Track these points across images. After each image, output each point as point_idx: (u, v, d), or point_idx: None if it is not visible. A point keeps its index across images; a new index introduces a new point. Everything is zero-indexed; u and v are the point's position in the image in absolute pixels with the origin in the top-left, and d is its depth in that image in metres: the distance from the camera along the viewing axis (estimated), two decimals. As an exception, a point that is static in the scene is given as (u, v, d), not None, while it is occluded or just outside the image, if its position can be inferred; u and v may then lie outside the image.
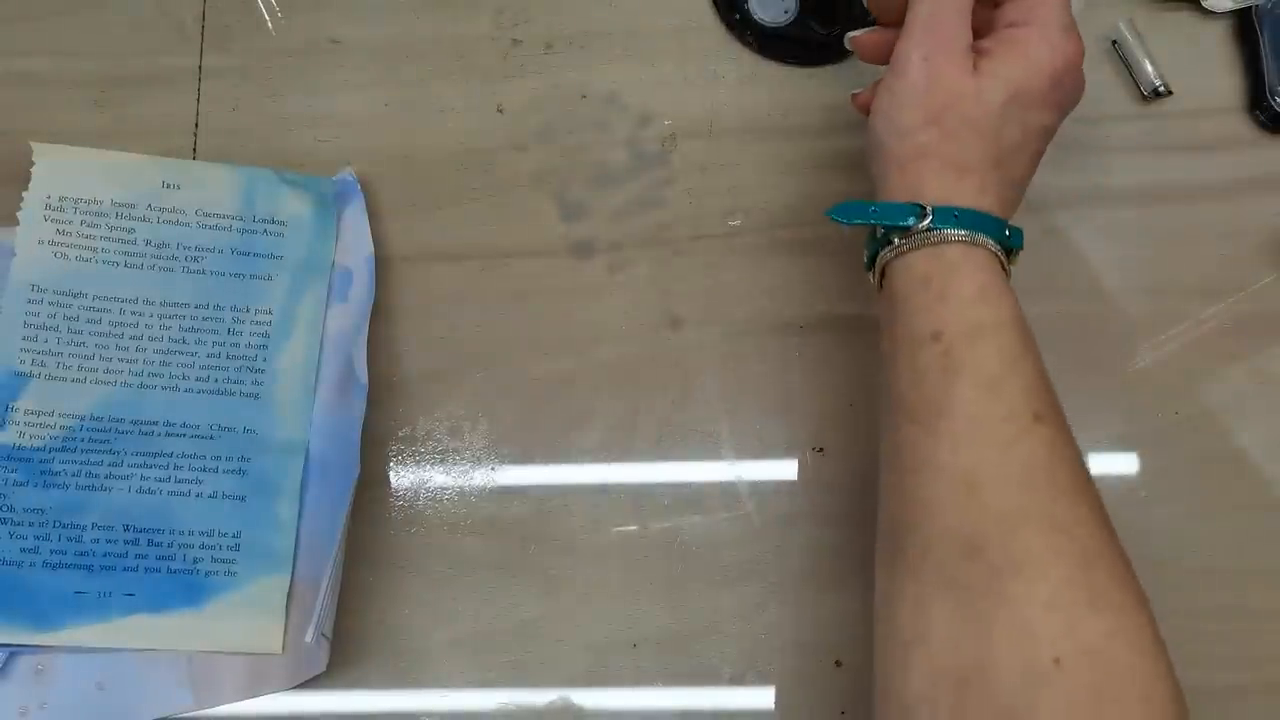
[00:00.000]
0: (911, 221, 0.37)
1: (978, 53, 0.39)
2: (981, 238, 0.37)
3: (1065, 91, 0.39)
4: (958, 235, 0.37)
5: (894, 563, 0.36)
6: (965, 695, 0.32)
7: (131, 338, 0.48)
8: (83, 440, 0.46)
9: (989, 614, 0.33)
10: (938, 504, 0.34)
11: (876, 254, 0.39)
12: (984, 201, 0.38)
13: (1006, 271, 0.38)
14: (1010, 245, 0.38)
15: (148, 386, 0.47)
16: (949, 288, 0.37)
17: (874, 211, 0.39)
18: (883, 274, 0.39)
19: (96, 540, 0.45)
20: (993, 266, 0.37)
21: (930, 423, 0.35)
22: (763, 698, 0.46)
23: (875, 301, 0.40)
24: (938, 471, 0.35)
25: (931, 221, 0.37)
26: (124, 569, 0.45)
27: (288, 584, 0.46)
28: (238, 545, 0.46)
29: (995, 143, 0.38)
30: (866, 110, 0.42)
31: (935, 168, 0.38)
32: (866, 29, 0.44)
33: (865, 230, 0.41)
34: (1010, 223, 0.39)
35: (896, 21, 0.41)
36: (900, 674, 0.34)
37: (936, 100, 0.38)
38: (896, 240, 0.38)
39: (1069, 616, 0.32)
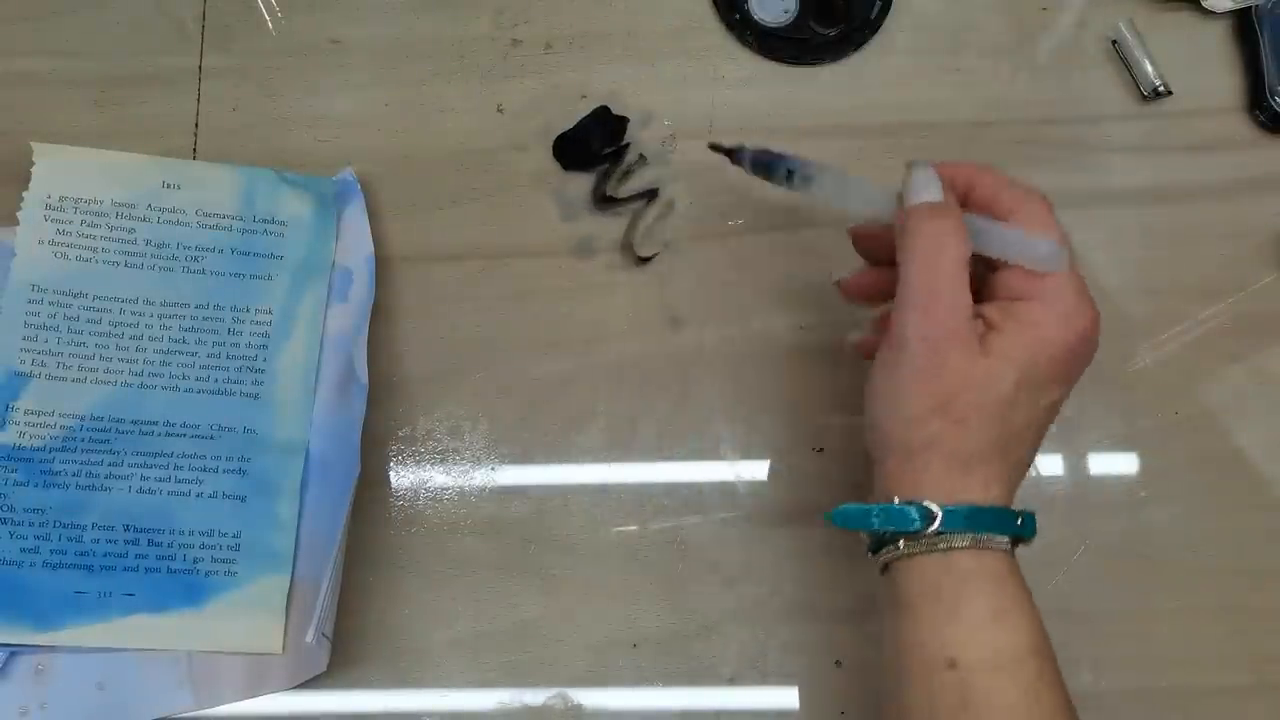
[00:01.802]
0: (918, 526, 0.34)
1: (983, 323, 0.36)
2: (991, 538, 0.34)
3: (1079, 365, 0.36)
4: (967, 540, 0.34)
5: None
6: None
7: (132, 338, 0.48)
8: (83, 440, 0.46)
9: None
10: None
11: (880, 548, 0.36)
12: (992, 494, 0.35)
13: (1014, 552, 0.36)
14: (1023, 535, 0.35)
15: (148, 386, 0.47)
16: (961, 603, 0.34)
17: (877, 518, 0.35)
18: (885, 565, 0.36)
19: (96, 540, 0.45)
20: (1005, 572, 0.35)
21: None
22: (762, 698, 0.46)
23: (878, 589, 0.38)
24: None
25: (940, 525, 0.34)
26: (124, 569, 0.45)
27: (288, 584, 0.46)
28: (238, 545, 0.46)
29: (1004, 428, 0.35)
30: (870, 354, 0.38)
31: (942, 460, 0.35)
32: (857, 271, 0.42)
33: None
34: (1021, 509, 0.36)
35: (887, 261, 0.38)
36: None
37: (943, 386, 0.34)
38: (902, 544, 0.35)
39: None
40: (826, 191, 0.40)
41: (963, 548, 0.34)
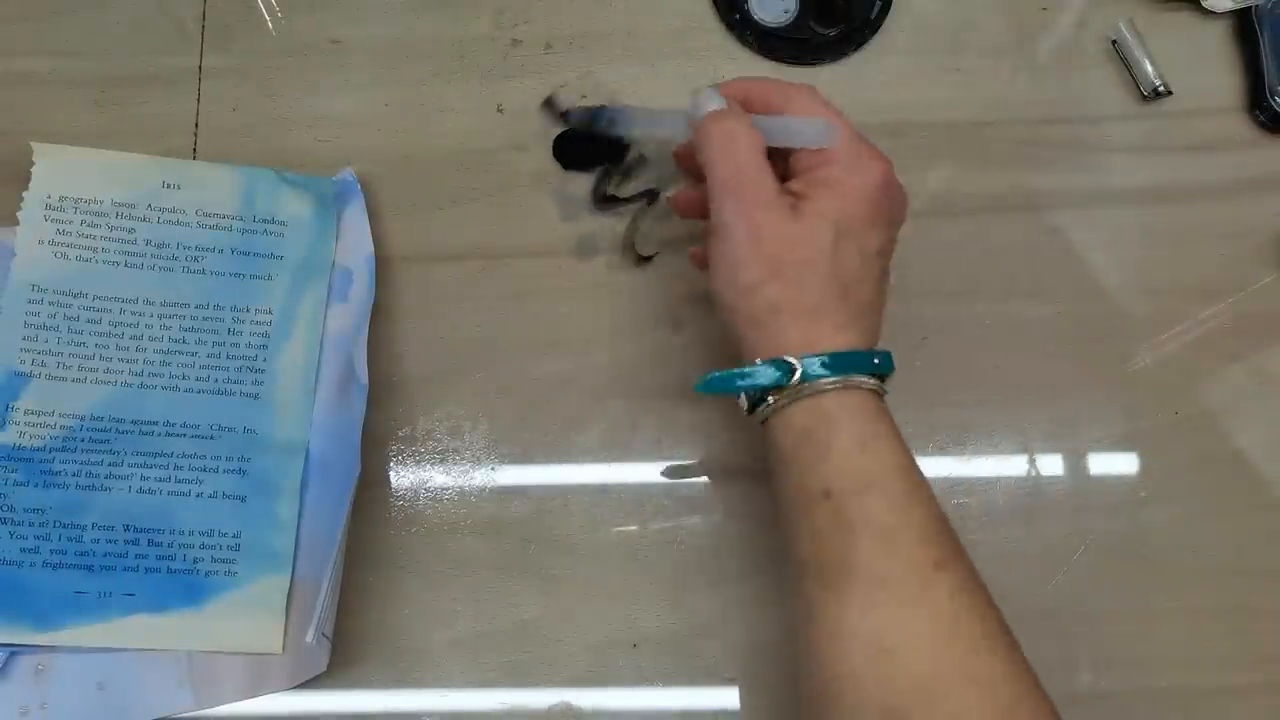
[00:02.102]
0: (779, 380, 0.37)
1: (792, 195, 0.39)
2: (853, 378, 0.37)
3: (888, 208, 0.40)
4: (829, 383, 0.37)
5: None
6: None
7: (132, 338, 0.48)
8: (83, 440, 0.46)
9: None
10: (855, 674, 0.34)
11: (755, 408, 0.39)
12: (843, 339, 0.38)
13: (884, 393, 0.38)
14: (881, 372, 0.38)
15: (148, 386, 0.47)
16: (831, 441, 0.37)
17: (743, 380, 0.38)
18: (763, 421, 0.39)
19: (96, 540, 0.45)
20: (870, 407, 0.37)
21: (836, 584, 0.35)
22: (762, 697, 0.46)
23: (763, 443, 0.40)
24: (850, 638, 0.35)
25: (801, 375, 0.37)
26: (124, 569, 0.45)
27: (288, 584, 0.46)
28: (238, 545, 0.46)
29: (836, 278, 0.38)
30: (703, 264, 0.42)
31: (789, 318, 0.38)
32: (682, 188, 0.45)
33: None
34: (878, 347, 0.39)
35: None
36: None
37: (769, 252, 0.38)
38: (771, 399, 0.38)
39: None
40: (645, 129, 0.43)
41: (826, 390, 0.37)
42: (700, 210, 0.43)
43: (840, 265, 0.38)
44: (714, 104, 0.40)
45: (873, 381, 0.38)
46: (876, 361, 0.38)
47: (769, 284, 0.38)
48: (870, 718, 0.34)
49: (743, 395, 0.39)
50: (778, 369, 0.37)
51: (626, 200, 0.50)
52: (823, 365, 0.37)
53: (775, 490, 0.39)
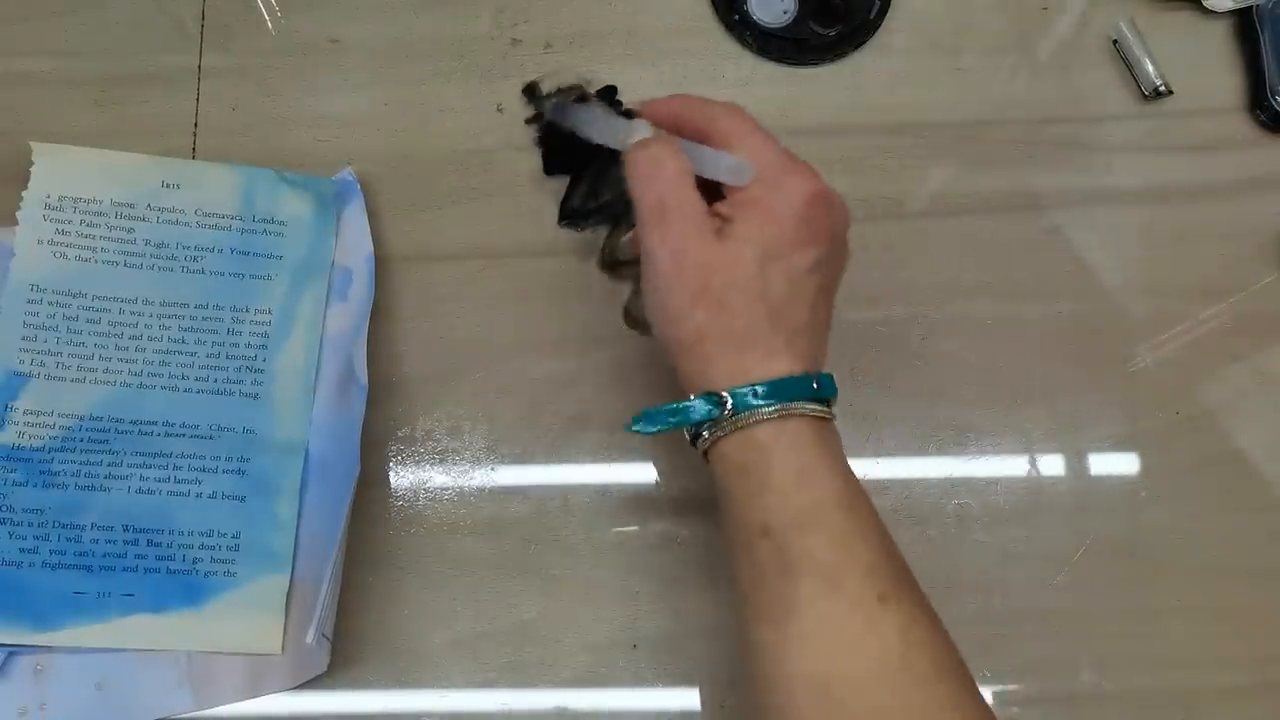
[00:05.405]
0: (712, 413, 0.36)
1: (719, 218, 0.37)
2: (790, 405, 0.35)
3: (819, 224, 0.37)
4: (764, 413, 0.35)
5: None
6: None
7: (131, 338, 0.48)
8: (82, 440, 0.46)
9: None
10: (798, 715, 0.34)
11: (695, 441, 0.37)
12: (776, 365, 0.36)
13: (829, 418, 0.36)
14: (822, 396, 0.36)
15: (147, 386, 0.47)
16: (768, 475, 0.35)
17: (674, 416, 0.37)
18: (704, 454, 0.38)
19: (96, 540, 0.45)
20: (808, 436, 0.36)
21: (778, 623, 0.34)
22: (763, 698, 0.46)
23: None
24: (792, 679, 0.34)
25: (732, 407, 0.35)
26: (123, 569, 0.45)
27: (287, 584, 0.46)
28: (237, 545, 0.46)
29: (765, 301, 0.36)
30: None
31: (717, 346, 0.36)
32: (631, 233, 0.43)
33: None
34: (817, 373, 0.37)
35: None
36: None
37: (693, 278, 0.36)
38: (707, 432, 0.36)
39: None
40: (599, 133, 0.40)
41: (761, 421, 0.35)
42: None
43: (768, 289, 0.36)
44: (641, 133, 0.39)
45: (813, 407, 0.36)
46: (815, 386, 0.36)
47: (694, 311, 0.36)
48: None
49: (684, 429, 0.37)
50: (708, 402, 0.36)
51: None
52: (754, 395, 0.35)
53: (719, 526, 0.38)
